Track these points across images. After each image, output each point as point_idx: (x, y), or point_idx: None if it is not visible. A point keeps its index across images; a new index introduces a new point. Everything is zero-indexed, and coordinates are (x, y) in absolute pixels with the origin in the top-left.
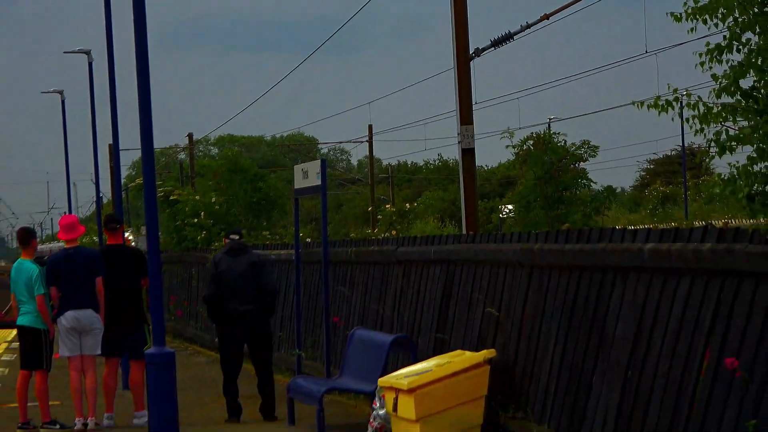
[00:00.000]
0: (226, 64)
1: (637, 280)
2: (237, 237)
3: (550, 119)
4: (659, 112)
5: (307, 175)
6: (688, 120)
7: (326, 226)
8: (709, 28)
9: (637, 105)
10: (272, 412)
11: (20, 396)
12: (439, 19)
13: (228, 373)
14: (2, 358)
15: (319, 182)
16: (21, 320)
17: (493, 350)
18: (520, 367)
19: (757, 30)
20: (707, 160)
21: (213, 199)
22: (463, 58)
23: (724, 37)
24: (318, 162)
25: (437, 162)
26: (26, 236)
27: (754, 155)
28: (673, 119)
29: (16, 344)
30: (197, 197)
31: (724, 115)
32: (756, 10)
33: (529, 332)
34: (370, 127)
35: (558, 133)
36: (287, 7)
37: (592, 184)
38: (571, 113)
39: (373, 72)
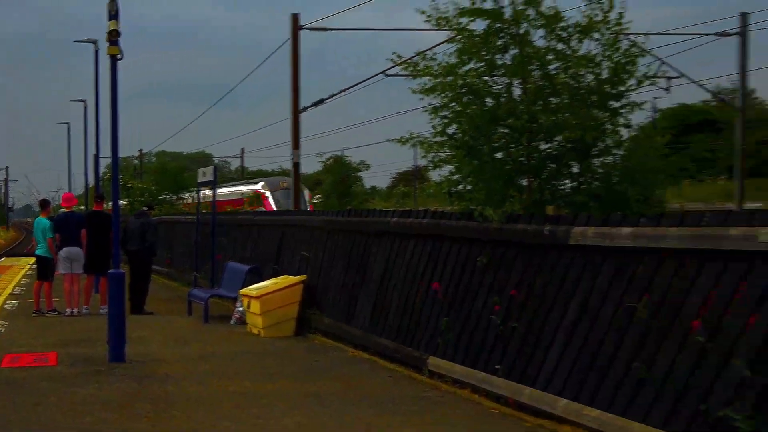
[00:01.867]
0: (167, 108)
1: (387, 240)
2: (146, 209)
3: (343, 148)
4: (402, 145)
5: (205, 174)
6: (419, 149)
7: (214, 205)
8: (433, 98)
9: (391, 141)
10: (139, 310)
11: (35, 294)
12: (285, 88)
13: (131, 285)
14: (27, 274)
15: (211, 179)
16: (38, 252)
17: (305, 276)
18: (319, 288)
19: (457, 102)
20: (428, 172)
21: (153, 187)
22: (296, 112)
23: (440, 104)
24: (211, 168)
25: (279, 169)
26: (44, 203)
27: (453, 170)
28: (409, 148)
29: (34, 266)
30: (144, 185)
31: (437, 147)
32: (458, 90)
33: (325, 268)
34: (242, 149)
35: (347, 156)
36: (198, 72)
37: (365, 185)
38: (357, 144)
39: (245, 118)
